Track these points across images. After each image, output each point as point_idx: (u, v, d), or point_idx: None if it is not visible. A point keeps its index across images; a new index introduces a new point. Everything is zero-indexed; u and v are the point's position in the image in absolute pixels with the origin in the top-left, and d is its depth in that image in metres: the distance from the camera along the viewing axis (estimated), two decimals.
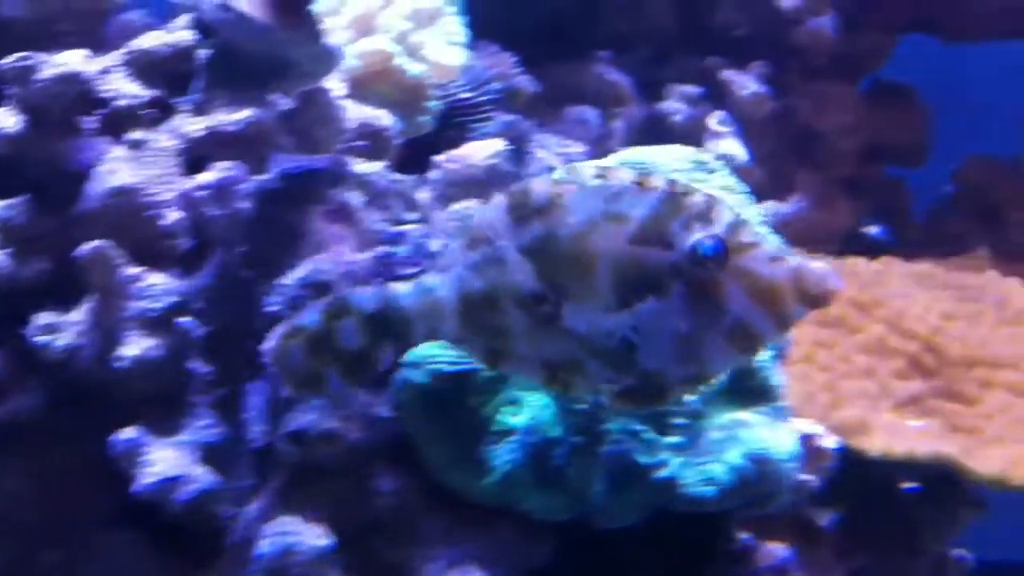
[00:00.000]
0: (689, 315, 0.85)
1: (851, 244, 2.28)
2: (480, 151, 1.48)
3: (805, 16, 2.19)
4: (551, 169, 1.48)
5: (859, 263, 1.92)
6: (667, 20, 2.27)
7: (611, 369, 0.88)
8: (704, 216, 0.85)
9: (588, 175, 0.86)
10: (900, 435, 1.49)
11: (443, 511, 1.07)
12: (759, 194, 2.20)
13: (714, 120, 2.17)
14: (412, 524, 1.06)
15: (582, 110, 1.87)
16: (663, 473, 1.05)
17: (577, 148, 1.75)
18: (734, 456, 1.08)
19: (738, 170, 2.15)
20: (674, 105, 2.19)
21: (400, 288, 0.91)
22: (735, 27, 2.25)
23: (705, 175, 1.27)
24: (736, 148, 2.17)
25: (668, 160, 1.26)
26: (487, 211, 0.89)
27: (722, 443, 1.08)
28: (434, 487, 1.07)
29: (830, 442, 1.46)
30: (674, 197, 0.85)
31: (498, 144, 1.49)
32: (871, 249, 2.23)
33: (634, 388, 0.88)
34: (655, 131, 2.21)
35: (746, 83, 2.19)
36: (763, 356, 1.15)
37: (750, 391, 1.14)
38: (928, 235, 2.34)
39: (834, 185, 2.26)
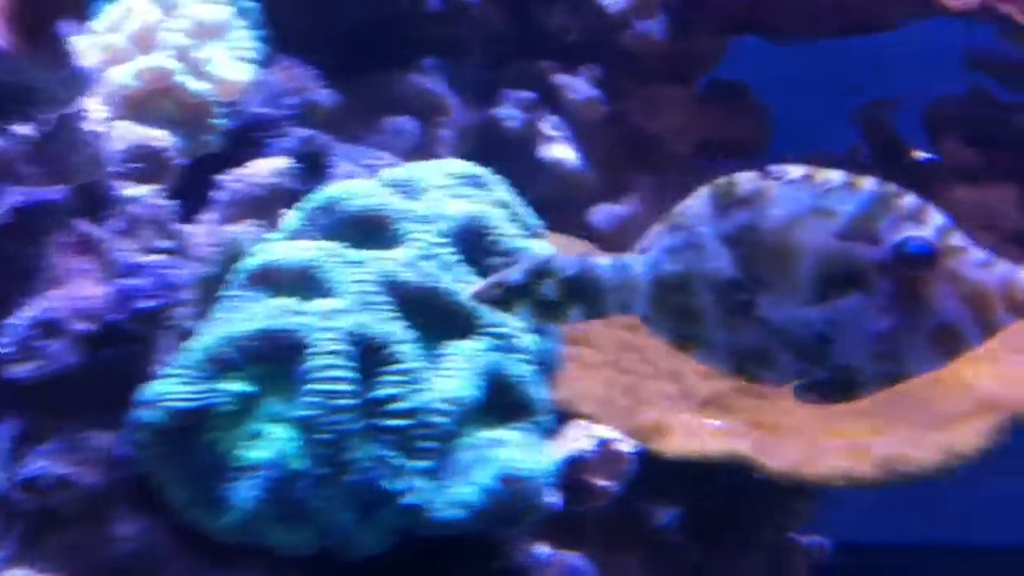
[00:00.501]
0: (892, 313, 0.86)
1: None
2: (264, 168, 1.45)
3: (633, 19, 2.19)
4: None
5: None
6: (501, 25, 2.26)
7: (802, 362, 0.88)
8: (915, 217, 0.85)
9: (796, 173, 0.86)
10: (696, 435, 1.49)
11: (188, 553, 1.03)
12: (593, 197, 2.23)
13: (546, 125, 2.16)
14: (155, 568, 1.03)
15: (398, 120, 1.85)
16: (410, 499, 1.03)
17: (388, 159, 1.72)
18: (485, 477, 1.07)
19: (570, 175, 2.18)
20: (507, 111, 2.18)
21: (599, 260, 0.92)
22: (568, 31, 2.25)
23: (474, 190, 1.25)
24: (567, 152, 2.17)
25: (433, 175, 1.24)
26: (690, 200, 0.89)
27: (474, 464, 1.07)
28: (179, 528, 1.04)
29: (627, 447, 1.47)
30: (885, 196, 0.85)
31: (283, 161, 1.46)
32: None
33: (824, 381, 0.89)
34: (488, 137, 2.20)
35: (578, 87, 2.19)
36: (524, 369, 1.14)
37: (509, 407, 1.13)
38: None
39: (669, 186, 2.27)
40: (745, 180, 0.87)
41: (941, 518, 2.74)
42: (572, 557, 1.39)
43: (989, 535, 2.88)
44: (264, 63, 1.61)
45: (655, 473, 1.61)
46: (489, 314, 1.13)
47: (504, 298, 0.92)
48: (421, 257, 1.14)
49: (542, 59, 2.24)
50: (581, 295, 0.92)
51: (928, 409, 1.61)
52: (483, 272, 1.18)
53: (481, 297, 0.93)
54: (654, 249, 0.90)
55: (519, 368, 1.13)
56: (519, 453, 1.08)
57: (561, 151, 2.15)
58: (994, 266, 0.85)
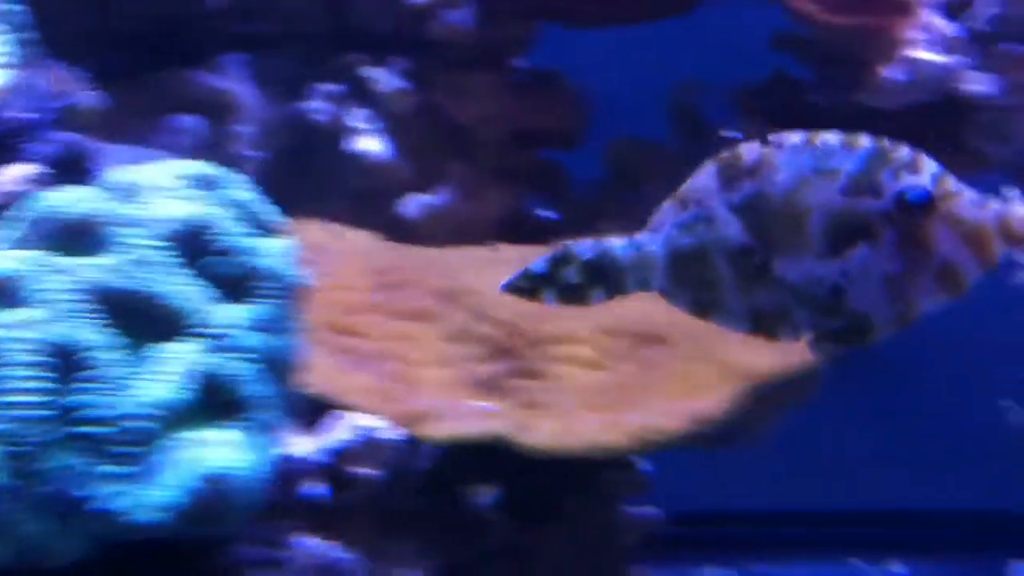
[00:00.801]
0: (899, 259, 0.91)
1: (515, 229, 2.33)
2: (13, 175, 1.44)
3: (439, 9, 2.20)
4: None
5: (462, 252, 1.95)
6: (314, 20, 2.26)
7: (819, 315, 0.93)
8: (911, 167, 0.91)
9: (795, 139, 0.91)
10: (463, 418, 1.52)
11: None
12: (406, 188, 2.24)
13: (354, 118, 2.17)
14: None
15: (180, 118, 1.85)
16: (103, 504, 1.04)
17: (169, 160, 1.71)
18: (188, 478, 1.08)
19: (378, 166, 2.19)
20: (315, 104, 2.18)
21: (615, 242, 0.98)
22: (377, 23, 2.25)
23: (204, 191, 1.26)
24: (375, 144, 2.18)
25: (160, 178, 1.25)
26: (697, 176, 0.93)
27: (178, 466, 1.08)
28: None
29: (392, 434, 1.49)
30: (881, 151, 0.91)
31: (33, 168, 1.45)
32: (539, 232, 2.28)
33: (840, 329, 0.94)
34: (296, 132, 2.20)
35: (385, 79, 2.20)
36: (241, 368, 1.16)
37: (223, 407, 1.14)
38: (591, 213, 2.40)
39: (484, 174, 2.29)
40: (748, 151, 0.92)
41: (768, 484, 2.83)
42: (332, 548, 1.42)
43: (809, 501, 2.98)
44: (27, 66, 1.60)
45: (472, 456, 1.64)
46: (204, 315, 1.15)
47: (531, 287, 0.98)
48: (133, 262, 1.14)
49: (354, 52, 2.26)
50: (602, 277, 0.97)
51: (685, 382, 1.67)
52: (203, 274, 1.19)
53: (511, 289, 0.99)
54: (667, 226, 0.95)
55: (235, 367, 1.15)
56: (228, 452, 1.10)
57: (369, 143, 2.16)
58: (988, 205, 0.92)
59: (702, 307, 0.96)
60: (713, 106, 2.36)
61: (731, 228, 0.93)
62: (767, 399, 2.12)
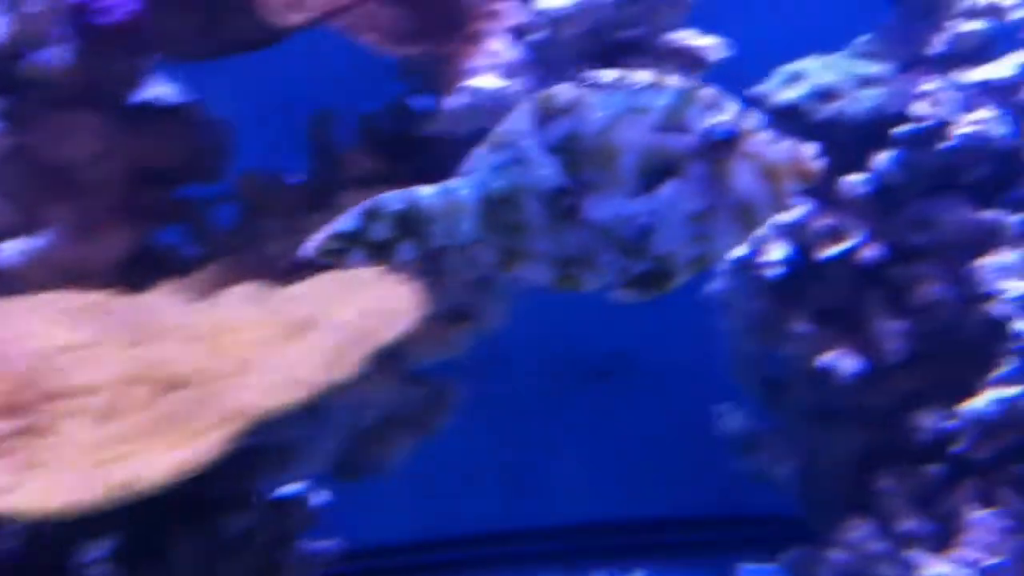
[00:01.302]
0: (702, 194, 0.93)
1: (143, 267, 2.25)
2: None
3: (27, 47, 2.13)
4: None
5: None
6: None
7: (624, 257, 0.94)
8: (716, 104, 0.94)
9: (609, 77, 0.92)
10: None
11: None
12: (4, 234, 2.17)
13: None
14: None
15: None
16: None
17: None
18: None
19: None
20: None
21: (424, 190, 0.96)
22: None
23: None
24: None
25: None
26: (511, 117, 0.93)
27: None
28: None
29: None
30: (689, 90, 0.93)
31: None
32: (177, 268, 2.21)
33: (642, 274, 0.95)
34: None
35: None
36: None
37: None
38: (227, 244, 2.33)
39: (98, 215, 2.22)
40: (563, 91, 0.94)
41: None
42: None
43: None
44: None
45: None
46: None
47: (338, 248, 0.95)
48: None
49: None
50: (411, 228, 0.95)
51: (187, 429, 1.62)
52: None
53: (319, 249, 0.95)
54: (479, 169, 0.95)
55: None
56: None
57: None
58: (782, 143, 0.96)
59: (510, 255, 0.95)
60: (342, 134, 2.32)
61: (545, 169, 0.93)
62: (386, 433, 2.08)
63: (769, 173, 0.94)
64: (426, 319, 1.48)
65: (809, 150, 0.96)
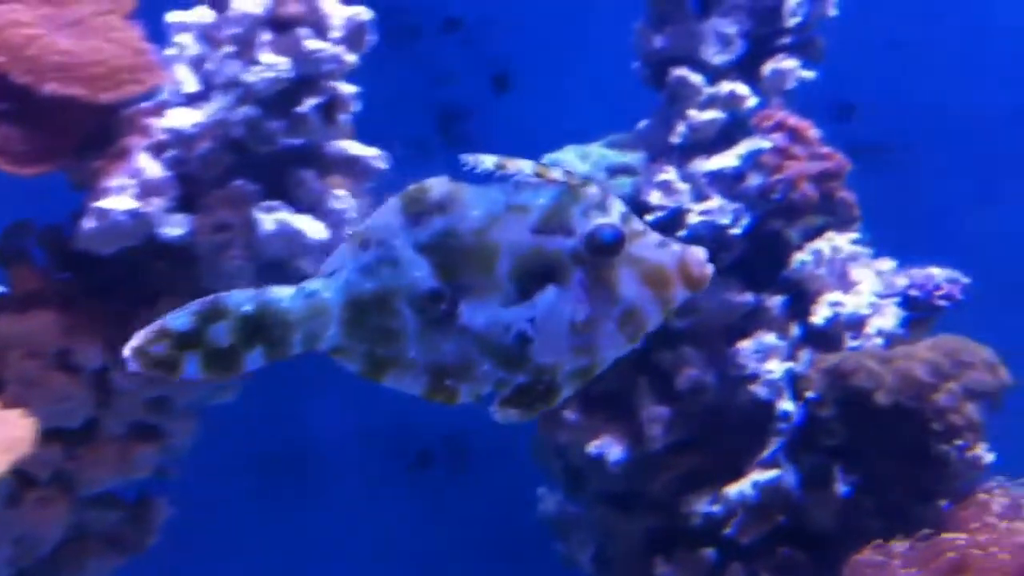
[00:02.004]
0: (585, 302, 0.88)
1: None
2: None
3: None
4: None
5: None
6: None
7: (503, 368, 0.88)
8: (601, 205, 0.88)
9: (488, 163, 0.85)
10: None
11: None
12: None
13: None
14: None
15: None
16: None
17: None
18: None
19: None
20: None
21: (280, 291, 0.86)
22: None
23: None
24: None
25: None
26: (380, 213, 0.86)
27: None
28: None
29: None
30: (572, 188, 0.87)
31: None
32: None
33: (523, 388, 0.89)
34: None
35: None
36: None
37: None
38: None
39: None
40: (436, 184, 0.87)
41: None
42: None
43: None
44: None
45: None
46: None
47: (167, 354, 0.84)
48: None
49: None
50: (262, 334, 0.86)
51: None
52: None
53: (142, 352, 0.84)
54: (345, 270, 0.87)
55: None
56: None
57: None
58: (669, 246, 0.91)
59: (378, 364, 0.88)
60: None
61: (417, 270, 0.87)
62: (80, 557, 1.96)
63: (655, 279, 0.90)
64: (103, 441, 1.43)
65: (699, 254, 0.91)
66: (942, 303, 2.64)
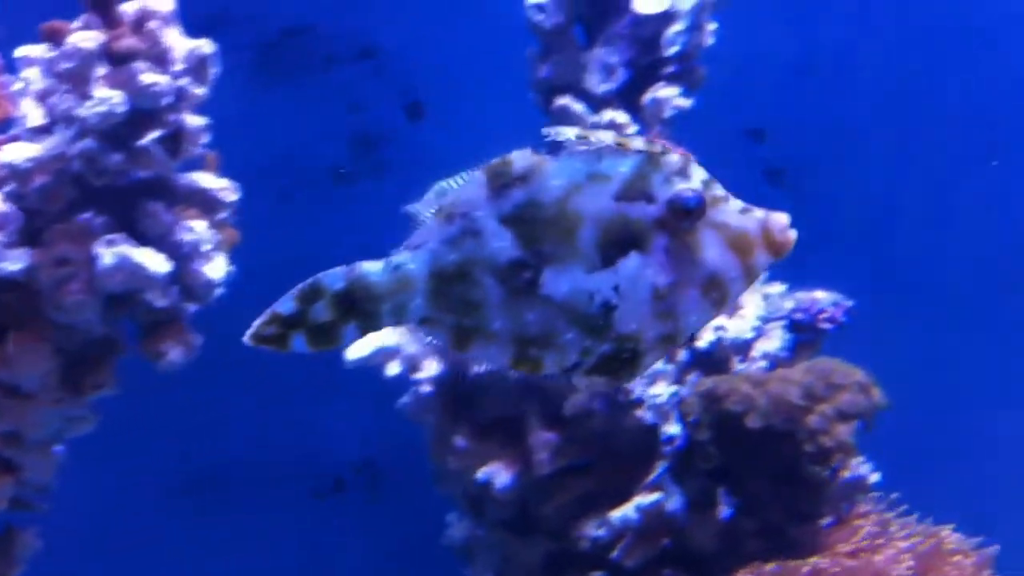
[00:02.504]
0: (668, 268, 0.87)
1: None
2: None
3: None
4: None
5: None
6: None
7: (587, 336, 0.87)
8: (683, 172, 0.88)
9: (569, 135, 0.85)
10: None
11: None
12: None
13: None
14: None
15: None
16: None
17: None
18: None
19: None
20: None
21: (369, 265, 0.88)
22: None
23: None
24: None
25: None
26: (464, 187, 0.88)
27: None
28: None
29: None
30: (653, 156, 0.87)
31: None
32: None
33: (607, 356, 0.88)
34: None
35: None
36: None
37: None
38: None
39: None
40: (519, 157, 0.88)
41: None
42: None
43: None
44: None
45: None
46: None
47: (278, 333, 0.88)
48: None
49: None
50: (354, 309, 0.89)
51: None
52: None
53: (256, 336, 0.89)
54: (430, 242, 0.89)
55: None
56: None
57: None
58: (752, 212, 0.90)
59: (464, 334, 0.90)
60: None
61: (500, 240, 0.88)
62: None
63: (738, 245, 0.89)
64: None
65: (783, 219, 0.91)
66: (826, 326, 2.69)
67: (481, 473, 2.53)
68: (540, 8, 2.44)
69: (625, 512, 2.45)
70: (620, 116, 2.39)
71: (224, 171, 3.64)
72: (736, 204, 0.92)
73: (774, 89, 3.77)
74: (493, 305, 0.89)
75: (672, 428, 2.48)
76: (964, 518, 2.45)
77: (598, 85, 2.43)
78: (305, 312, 0.90)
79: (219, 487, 3.72)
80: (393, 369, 2.51)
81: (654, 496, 2.44)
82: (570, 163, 0.89)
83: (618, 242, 0.88)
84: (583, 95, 2.46)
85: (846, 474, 2.36)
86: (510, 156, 0.90)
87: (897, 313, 3.39)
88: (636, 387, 2.53)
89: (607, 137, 0.89)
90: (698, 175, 0.90)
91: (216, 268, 1.91)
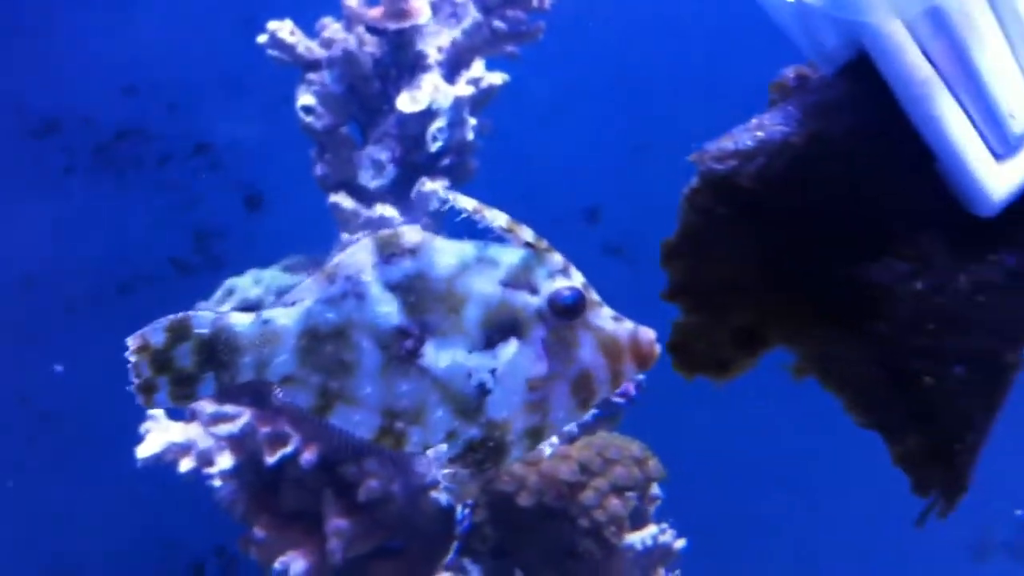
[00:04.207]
0: (544, 359, 0.90)
1: None
2: None
3: None
4: None
5: None
6: None
7: (457, 417, 0.88)
8: (565, 271, 0.91)
9: (467, 205, 0.89)
10: None
11: None
12: None
13: None
14: None
15: None
16: None
17: None
18: None
19: None
20: None
21: (238, 316, 0.87)
22: None
23: None
24: None
25: None
26: (350, 251, 0.88)
27: None
28: None
29: None
30: (539, 251, 0.90)
31: None
32: None
33: (474, 443, 0.89)
34: None
35: None
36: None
37: None
38: None
39: None
40: (408, 231, 0.91)
41: None
42: None
43: None
44: None
45: None
46: None
47: (148, 381, 0.90)
48: None
49: None
50: (215, 359, 0.89)
51: None
52: None
53: (134, 370, 0.89)
54: (308, 300, 0.89)
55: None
56: None
57: None
58: (624, 321, 0.93)
59: (329, 397, 0.88)
60: None
61: (385, 306, 0.90)
62: None
63: (609, 350, 0.91)
64: None
65: (650, 334, 0.93)
66: (619, 400, 2.77)
67: (279, 562, 2.57)
68: (309, 110, 2.54)
69: None
70: (388, 210, 2.48)
71: (61, 267, 3.70)
72: (609, 312, 0.94)
73: (616, 168, 3.89)
74: (367, 371, 0.89)
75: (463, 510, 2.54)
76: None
77: (370, 181, 2.52)
78: (170, 349, 0.90)
79: None
80: (186, 465, 2.56)
81: None
82: (459, 244, 0.92)
83: (500, 326, 0.91)
84: (358, 191, 2.55)
85: (623, 543, 2.43)
86: (400, 228, 0.93)
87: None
88: (431, 469, 2.59)
89: (501, 219, 0.92)
90: (578, 278, 0.94)
91: None
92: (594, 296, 0.93)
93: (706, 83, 4.06)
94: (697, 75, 4.17)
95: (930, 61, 0.74)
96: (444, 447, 0.93)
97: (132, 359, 0.91)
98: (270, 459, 2.57)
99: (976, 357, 0.72)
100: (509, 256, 0.92)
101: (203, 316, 0.91)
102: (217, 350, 0.89)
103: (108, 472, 3.34)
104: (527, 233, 0.93)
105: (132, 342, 0.91)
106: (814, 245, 0.76)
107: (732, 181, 0.78)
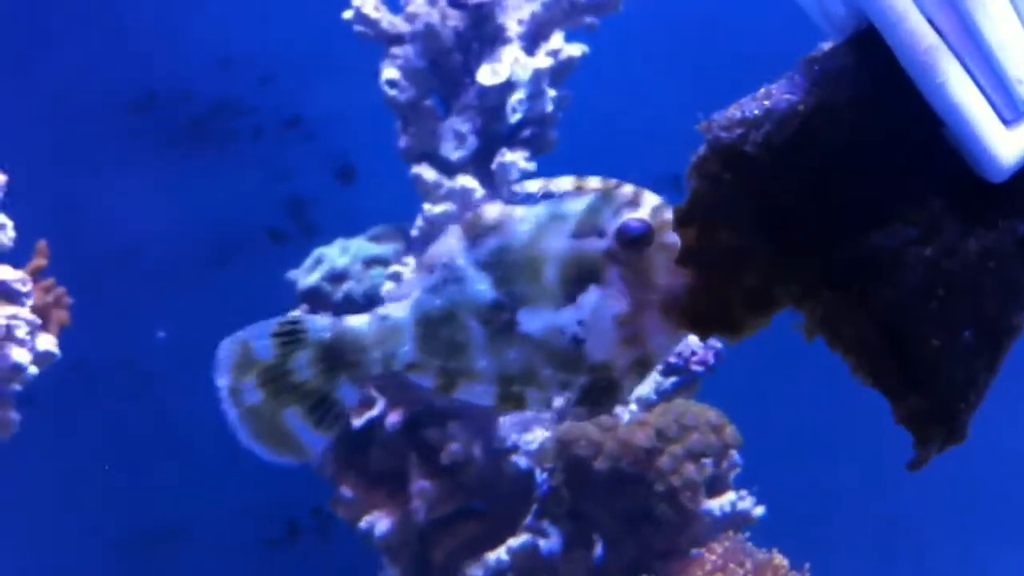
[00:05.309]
0: (625, 295, 0.90)
1: None
2: None
3: None
4: None
5: None
6: None
7: (563, 370, 0.91)
8: (633, 202, 0.91)
9: (533, 187, 0.91)
10: None
11: None
12: None
13: None
14: None
15: None
16: None
17: None
18: None
19: None
20: None
21: (355, 319, 0.93)
22: None
23: None
24: None
25: None
26: (441, 240, 0.93)
27: None
28: None
29: None
30: (606, 191, 0.91)
31: None
32: None
33: (585, 388, 0.91)
34: None
35: None
36: None
37: None
38: None
39: None
40: (490, 209, 0.93)
41: None
42: None
43: None
44: None
45: None
46: None
47: (257, 383, 0.91)
48: None
49: None
50: (342, 361, 0.92)
51: None
52: None
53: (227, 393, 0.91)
54: (414, 292, 0.94)
55: None
56: None
57: None
58: None
59: (450, 377, 0.93)
60: None
61: (480, 284, 0.92)
62: None
63: None
64: None
65: None
66: (698, 368, 2.80)
67: (364, 521, 2.67)
68: (393, 84, 2.60)
69: (499, 554, 2.57)
70: (469, 181, 2.53)
71: (161, 237, 3.82)
72: None
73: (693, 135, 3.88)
74: (477, 346, 0.93)
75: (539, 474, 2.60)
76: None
77: (452, 152, 2.58)
78: (284, 360, 0.93)
79: (171, 538, 3.87)
80: None
81: (523, 538, 2.56)
82: (535, 208, 0.94)
83: (577, 278, 0.93)
84: (440, 162, 2.61)
85: (699, 508, 2.46)
86: (482, 208, 0.96)
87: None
88: (511, 434, 2.65)
89: (567, 183, 0.94)
90: (650, 202, 0.93)
91: (22, 354, 2.07)
92: (667, 215, 0.92)
93: (788, 48, 4.00)
94: (778, 37, 4.11)
95: (935, 28, 0.75)
96: (561, 400, 0.95)
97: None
98: (357, 422, 2.67)
99: (985, 322, 0.73)
100: (577, 206, 0.93)
101: (319, 320, 0.95)
102: (343, 354, 0.94)
103: (208, 436, 3.47)
104: (594, 181, 0.94)
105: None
106: (822, 211, 0.77)
107: (739, 149, 0.80)
